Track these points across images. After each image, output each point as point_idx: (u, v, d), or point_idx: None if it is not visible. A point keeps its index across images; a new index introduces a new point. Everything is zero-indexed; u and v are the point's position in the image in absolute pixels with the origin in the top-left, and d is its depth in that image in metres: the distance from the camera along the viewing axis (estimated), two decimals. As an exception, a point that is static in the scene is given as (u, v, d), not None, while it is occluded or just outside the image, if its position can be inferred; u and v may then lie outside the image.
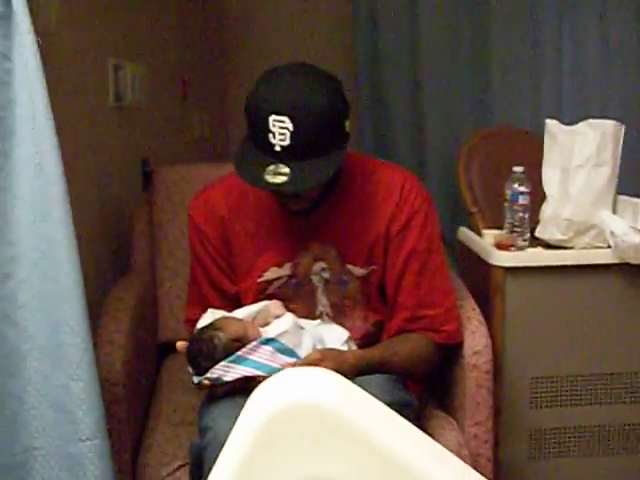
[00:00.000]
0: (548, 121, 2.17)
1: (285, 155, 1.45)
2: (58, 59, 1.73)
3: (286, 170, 1.45)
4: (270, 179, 1.46)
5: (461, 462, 0.67)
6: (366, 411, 0.63)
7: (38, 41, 1.31)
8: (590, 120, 2.12)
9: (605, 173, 2.10)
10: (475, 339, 1.78)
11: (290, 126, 1.44)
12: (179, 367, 2.07)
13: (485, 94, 3.23)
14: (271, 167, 1.46)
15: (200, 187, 1.85)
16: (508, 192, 2.09)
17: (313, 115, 1.45)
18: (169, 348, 2.15)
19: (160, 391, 2.01)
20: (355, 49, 3.30)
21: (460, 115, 3.24)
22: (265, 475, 0.61)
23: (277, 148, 1.45)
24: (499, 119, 3.17)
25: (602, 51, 3.16)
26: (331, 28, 3.42)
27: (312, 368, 0.70)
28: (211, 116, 3.33)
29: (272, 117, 1.44)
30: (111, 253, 2.24)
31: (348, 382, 0.67)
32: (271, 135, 1.45)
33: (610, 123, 2.12)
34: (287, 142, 1.45)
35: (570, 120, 2.23)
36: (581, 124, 2.13)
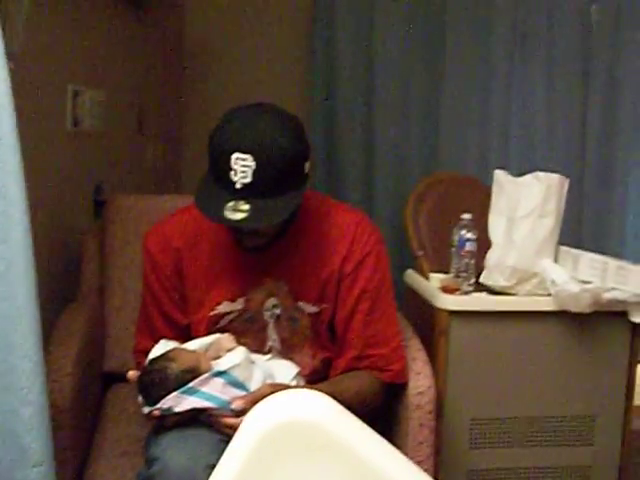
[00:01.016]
0: (496, 171, 2.25)
1: (245, 192, 1.48)
2: (19, 81, 1.73)
3: (245, 207, 1.48)
4: (229, 215, 1.48)
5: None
6: (353, 429, 0.67)
7: (10, 65, 1.31)
8: (537, 173, 2.20)
9: (549, 224, 2.18)
10: (419, 379, 1.82)
11: (253, 164, 1.47)
12: (123, 397, 2.07)
13: (435, 141, 3.31)
14: (230, 203, 1.48)
15: (153, 217, 1.87)
16: (455, 238, 2.15)
17: (276, 155, 1.48)
18: (114, 377, 2.14)
19: (104, 421, 1.99)
20: (311, 89, 3.35)
21: (410, 161, 3.30)
22: None
23: (238, 185, 1.48)
24: (448, 166, 3.24)
25: (548, 105, 3.28)
26: (288, 68, 3.47)
27: (304, 390, 0.73)
28: (165, 148, 3.34)
29: (235, 155, 1.47)
30: (61, 279, 2.22)
31: (336, 403, 0.70)
32: (232, 173, 1.48)
33: (555, 176, 2.20)
34: (248, 180, 1.47)
35: (516, 169, 2.31)
36: (528, 176, 2.21)
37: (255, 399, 1.44)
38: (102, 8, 2.53)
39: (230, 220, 1.48)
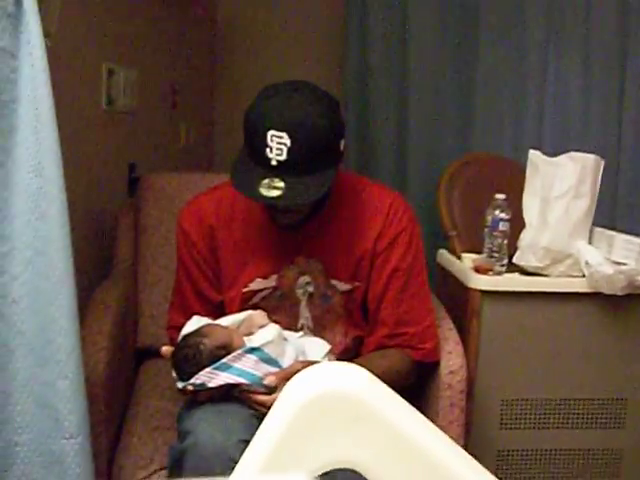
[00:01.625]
0: (531, 151, 2.23)
1: (281, 170, 1.49)
2: (55, 60, 1.74)
3: (281, 184, 1.48)
4: (265, 192, 1.48)
5: (475, 462, 0.71)
6: (389, 401, 0.67)
7: (46, 42, 1.33)
8: (572, 153, 2.18)
9: (583, 205, 2.16)
10: (451, 359, 1.82)
11: (288, 142, 1.47)
12: (156, 373, 2.09)
13: (469, 121, 3.28)
14: (266, 181, 1.49)
15: (185, 195, 1.88)
16: (489, 218, 2.14)
17: (311, 133, 1.49)
18: (147, 353, 2.17)
19: (137, 395, 2.02)
20: (344, 69, 3.34)
21: (444, 140, 3.28)
22: (298, 458, 0.65)
23: (273, 162, 1.48)
24: (482, 146, 3.22)
25: (583, 87, 3.23)
26: (321, 46, 3.46)
27: (339, 362, 0.74)
28: (198, 127, 3.36)
29: (270, 132, 1.47)
30: (95, 256, 2.25)
31: (371, 375, 0.71)
32: (268, 150, 1.48)
33: (590, 157, 2.18)
34: (284, 157, 1.48)
35: (551, 150, 2.29)
36: (563, 156, 2.19)
37: (287, 375, 1.46)
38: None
39: (265, 197, 1.49)
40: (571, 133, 3.20)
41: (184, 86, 3.13)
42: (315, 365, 0.74)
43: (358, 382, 0.70)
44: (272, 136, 1.48)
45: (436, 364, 1.81)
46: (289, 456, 0.64)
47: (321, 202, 1.68)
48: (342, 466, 0.67)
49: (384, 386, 0.72)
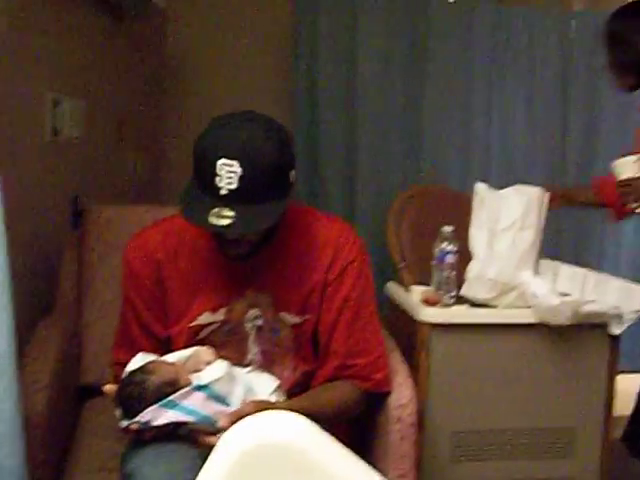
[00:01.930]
0: (477, 184, 2.26)
1: (230, 199, 1.47)
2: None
3: (231, 213, 1.47)
4: (214, 221, 1.47)
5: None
6: (328, 450, 0.66)
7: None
8: (517, 186, 2.21)
9: (529, 237, 2.19)
10: (401, 392, 1.81)
11: (239, 170, 1.46)
12: (100, 411, 2.04)
13: (417, 153, 3.32)
14: (215, 210, 1.47)
15: (131, 229, 1.85)
16: (436, 250, 2.15)
17: (262, 161, 1.48)
18: (90, 391, 2.12)
19: (80, 436, 1.97)
20: (294, 101, 3.35)
21: (392, 173, 3.31)
22: None
23: (223, 192, 1.47)
24: (429, 179, 3.25)
25: (528, 120, 3.31)
26: (271, 78, 3.46)
27: (281, 411, 0.72)
28: (145, 159, 3.32)
29: (221, 161, 1.46)
30: (38, 290, 2.20)
31: (312, 424, 0.70)
32: (218, 179, 1.47)
33: (535, 189, 2.21)
34: (234, 186, 1.47)
35: (497, 183, 2.31)
36: (508, 189, 2.22)
37: (239, 417, 1.43)
38: (83, 17, 2.51)
39: (215, 226, 1.47)
40: (516, 166, 3.26)
41: (132, 117, 3.10)
42: (257, 413, 0.73)
43: (296, 431, 0.68)
44: (223, 164, 1.46)
45: (386, 394, 1.80)
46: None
47: (270, 233, 1.67)
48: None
49: (325, 435, 0.70)
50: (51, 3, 2.19)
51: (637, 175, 2.08)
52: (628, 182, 2.08)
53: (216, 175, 1.47)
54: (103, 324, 2.16)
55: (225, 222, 1.47)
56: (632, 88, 2.27)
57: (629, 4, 2.28)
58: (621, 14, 2.26)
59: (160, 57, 3.46)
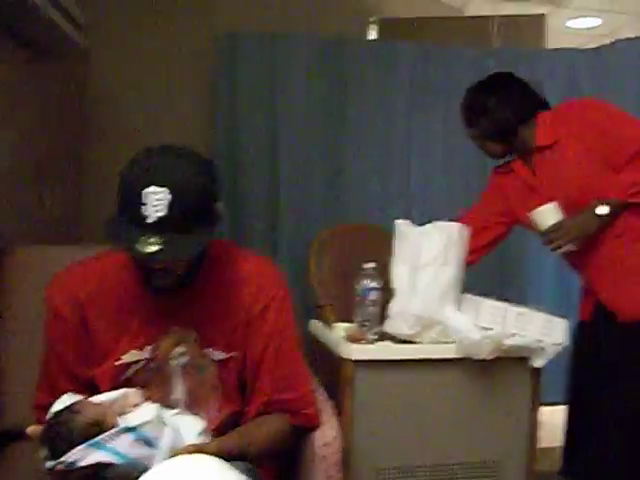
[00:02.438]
0: (397, 221, 2.28)
1: (158, 226, 1.47)
2: None
3: (159, 240, 1.47)
4: (142, 248, 1.46)
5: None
6: None
7: None
8: (437, 222, 2.25)
9: (451, 272, 2.22)
10: (325, 430, 1.80)
11: (169, 197, 1.46)
12: (19, 456, 1.98)
13: (338, 191, 3.35)
14: (143, 238, 1.47)
15: (52, 269, 1.81)
16: (358, 287, 2.16)
17: (191, 189, 1.49)
18: (10, 436, 2.05)
19: (-2, 483, 1.91)
20: (214, 138, 3.34)
21: (314, 212, 3.32)
22: None
23: (150, 220, 1.47)
24: (352, 217, 3.28)
25: (446, 157, 3.37)
26: (192, 118, 3.45)
27: (197, 455, 0.71)
28: (65, 197, 3.26)
29: (150, 188, 1.46)
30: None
31: (229, 467, 0.69)
32: (144, 207, 1.46)
33: (455, 225, 2.25)
34: (163, 213, 1.46)
35: (418, 220, 2.34)
36: (428, 225, 2.25)
37: None
38: (2, 52, 2.47)
39: (143, 253, 1.47)
40: (436, 204, 3.32)
41: (51, 155, 3.05)
42: (169, 460, 0.72)
43: (208, 474, 0.68)
44: (151, 192, 1.46)
45: (310, 436, 1.79)
46: None
47: (196, 266, 1.67)
48: None
49: (234, 474, 0.70)
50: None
51: (560, 219, 2.14)
52: (555, 227, 2.13)
53: (143, 204, 1.47)
54: (23, 367, 2.09)
55: (153, 249, 1.46)
56: (500, 155, 2.36)
57: (488, 78, 2.38)
58: (482, 87, 2.35)
59: (81, 95, 3.43)
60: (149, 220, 1.47)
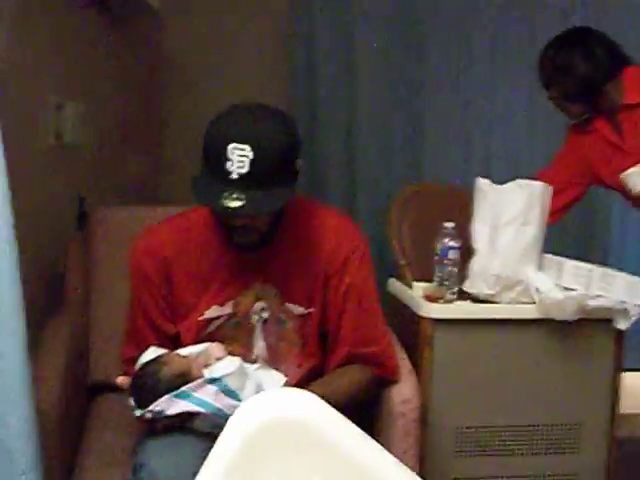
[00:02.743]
0: (479, 179, 2.26)
1: (241, 183, 1.50)
2: (1, 97, 1.73)
3: (242, 196, 1.50)
4: (226, 203, 1.50)
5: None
6: (339, 427, 0.68)
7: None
8: (519, 180, 2.21)
9: (532, 232, 2.19)
10: (403, 387, 1.82)
11: (250, 154, 1.50)
12: (109, 407, 2.06)
13: (417, 150, 3.32)
14: (226, 193, 1.50)
15: (135, 228, 1.88)
16: (438, 246, 2.16)
17: (273, 147, 1.52)
18: (99, 388, 2.14)
19: (90, 430, 1.99)
20: (292, 99, 3.35)
21: (392, 169, 3.31)
22: None
23: (234, 176, 1.50)
24: (431, 175, 3.25)
25: (530, 113, 3.29)
26: (268, 77, 3.46)
27: (290, 389, 0.74)
28: (147, 159, 3.34)
29: (233, 145, 1.50)
30: (46, 291, 2.22)
31: (322, 401, 0.71)
32: (229, 163, 1.50)
33: (537, 184, 2.21)
34: (245, 170, 1.50)
35: (499, 178, 2.32)
36: (510, 184, 2.22)
37: None
38: (81, 21, 2.53)
39: (227, 207, 1.50)
40: (519, 161, 3.26)
41: (133, 119, 3.11)
42: (264, 392, 0.74)
43: (308, 408, 0.70)
44: (234, 149, 1.50)
45: (389, 392, 1.81)
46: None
47: (276, 223, 1.70)
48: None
49: (335, 412, 0.72)
50: (50, 8, 2.21)
51: None
52: None
53: (227, 160, 1.50)
54: (111, 322, 2.18)
55: (237, 204, 1.50)
56: (581, 115, 2.28)
57: (568, 33, 2.29)
58: (563, 43, 2.26)
59: (158, 57, 3.47)
60: (232, 176, 1.50)
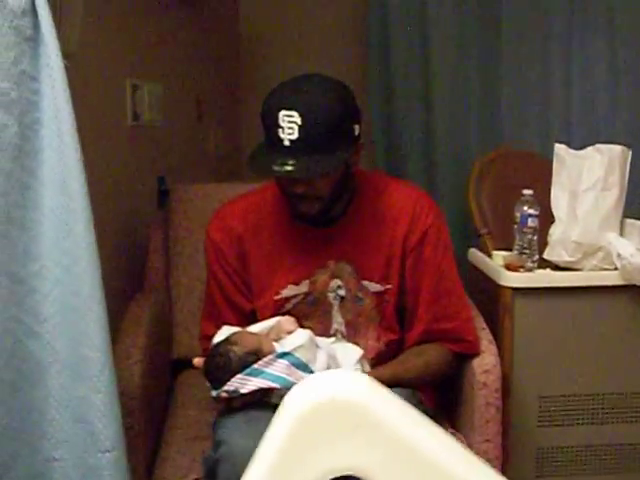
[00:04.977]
0: (557, 145, 2.21)
1: (293, 149, 1.53)
2: (79, 79, 1.77)
3: (292, 161, 1.53)
4: (278, 168, 1.53)
5: (485, 465, 0.71)
6: (395, 410, 0.68)
7: (65, 64, 1.35)
8: (598, 145, 2.16)
9: (612, 197, 2.14)
10: (485, 358, 1.81)
11: (299, 120, 1.51)
12: (193, 383, 2.11)
13: (495, 116, 3.27)
14: (279, 160, 1.53)
15: (215, 206, 1.90)
16: (517, 214, 2.13)
17: (321, 111, 1.53)
18: (183, 364, 2.19)
19: (174, 406, 2.04)
20: (368, 70, 3.34)
21: (470, 137, 3.27)
22: (301, 466, 0.65)
23: (286, 142, 1.53)
24: (508, 141, 3.20)
25: (610, 76, 3.19)
26: (344, 49, 3.46)
27: (344, 371, 0.75)
28: (225, 136, 3.38)
29: (281, 112, 1.52)
30: (128, 269, 2.28)
31: (377, 383, 0.71)
32: (280, 130, 1.53)
33: (617, 148, 2.15)
34: (295, 136, 1.52)
35: (578, 143, 2.26)
36: (589, 149, 2.16)
37: None
38: (155, 1, 2.56)
39: (278, 171, 1.54)
40: (599, 124, 3.17)
41: (210, 97, 3.15)
42: (315, 374, 0.75)
43: (358, 389, 0.70)
44: (283, 116, 1.52)
45: (471, 363, 1.81)
46: (292, 464, 0.65)
47: (343, 194, 1.69)
48: (345, 473, 0.67)
49: (385, 391, 0.72)
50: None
51: None
52: None
53: (279, 127, 1.52)
54: (192, 299, 2.23)
55: (288, 168, 1.52)
56: None
57: None
58: None
59: (234, 34, 3.50)
60: (285, 143, 1.52)
